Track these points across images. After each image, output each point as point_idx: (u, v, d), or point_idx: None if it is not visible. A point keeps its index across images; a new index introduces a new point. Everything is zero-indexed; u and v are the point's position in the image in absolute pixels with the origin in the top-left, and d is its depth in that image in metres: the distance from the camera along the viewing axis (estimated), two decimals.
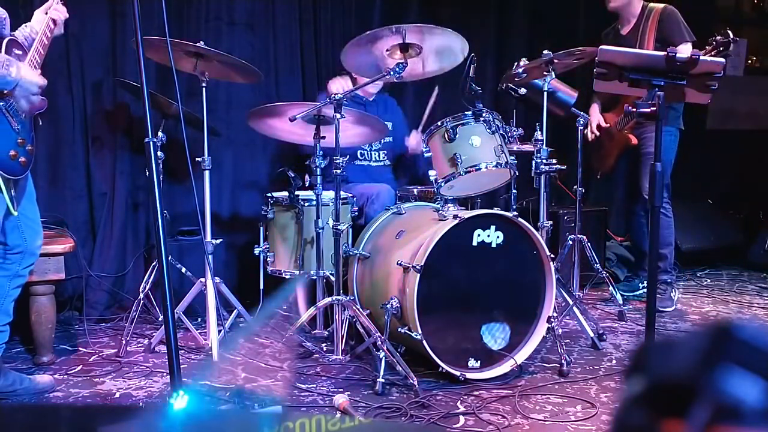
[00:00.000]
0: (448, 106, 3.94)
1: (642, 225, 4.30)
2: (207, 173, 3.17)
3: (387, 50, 2.99)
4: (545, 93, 3.28)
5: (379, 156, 4.02)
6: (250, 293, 3.69)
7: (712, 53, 3.34)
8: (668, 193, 3.98)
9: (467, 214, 2.88)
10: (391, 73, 2.94)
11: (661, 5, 3.87)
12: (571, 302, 3.33)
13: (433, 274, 2.79)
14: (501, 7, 5.01)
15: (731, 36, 3.32)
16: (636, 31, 3.89)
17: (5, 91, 2.38)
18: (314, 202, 3.19)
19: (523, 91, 3.42)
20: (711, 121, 5.76)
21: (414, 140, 4.04)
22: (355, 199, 3.53)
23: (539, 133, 3.26)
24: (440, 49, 3.06)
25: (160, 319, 3.59)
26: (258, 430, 0.93)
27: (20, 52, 2.47)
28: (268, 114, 3.26)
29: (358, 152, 3.96)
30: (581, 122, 3.78)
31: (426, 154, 3.14)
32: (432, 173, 3.09)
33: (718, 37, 3.39)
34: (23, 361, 3.08)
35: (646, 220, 4.35)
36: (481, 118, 3.01)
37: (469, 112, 3.02)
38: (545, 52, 3.25)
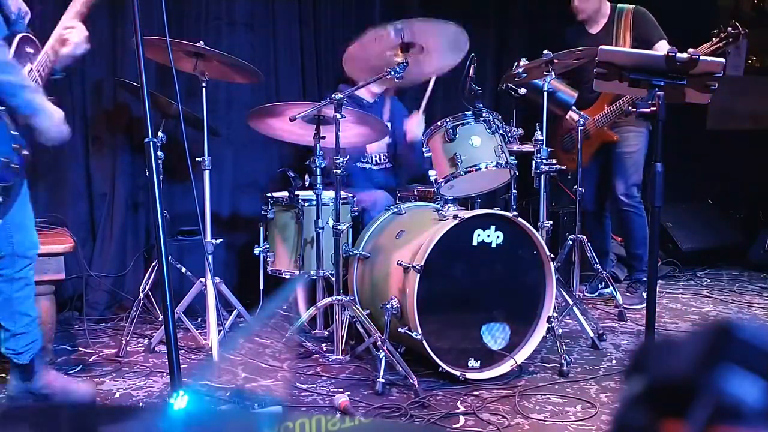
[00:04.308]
0: (449, 106, 3.93)
1: (606, 225, 4.33)
2: (207, 173, 3.17)
3: (388, 51, 2.99)
4: (545, 93, 3.28)
5: (380, 158, 3.99)
6: (250, 293, 3.69)
7: (721, 44, 3.38)
8: (640, 193, 4.02)
9: (467, 214, 2.88)
10: (392, 72, 2.94)
11: (632, 6, 3.97)
12: (571, 302, 3.33)
13: (433, 274, 2.79)
14: (501, 7, 5.01)
15: (741, 29, 3.37)
16: (608, 30, 3.98)
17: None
18: (314, 202, 3.19)
19: (523, 91, 3.42)
20: (711, 121, 5.76)
21: (414, 122, 3.88)
22: (355, 199, 3.53)
23: (539, 133, 3.26)
24: (441, 47, 3.05)
25: (160, 319, 3.59)
26: (258, 430, 0.93)
27: (32, 50, 2.42)
28: (268, 114, 3.26)
29: (361, 155, 3.94)
30: (581, 122, 3.79)
31: (426, 154, 3.14)
32: (432, 173, 3.09)
33: (729, 28, 3.42)
34: None
35: (611, 220, 4.37)
36: (481, 118, 3.01)
37: (469, 112, 3.02)
38: (545, 52, 3.25)
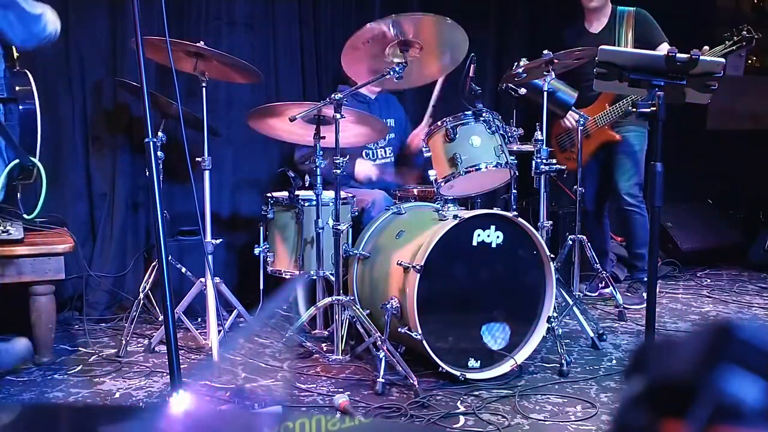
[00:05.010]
0: (449, 106, 3.93)
1: (606, 225, 4.34)
2: (207, 173, 3.17)
3: (387, 51, 2.99)
4: (545, 93, 3.29)
5: (385, 153, 4.04)
6: (250, 293, 3.69)
7: (734, 48, 3.41)
8: (642, 193, 4.03)
9: (467, 214, 2.88)
10: (391, 72, 2.94)
11: (633, 8, 4.01)
12: (571, 302, 3.33)
13: (433, 274, 2.79)
14: (501, 7, 5.01)
15: (755, 33, 3.40)
16: (609, 30, 4.01)
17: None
18: (314, 202, 3.19)
19: (523, 91, 3.42)
20: (711, 121, 5.76)
21: (417, 137, 4.00)
22: (355, 199, 3.54)
23: (539, 133, 3.26)
24: (441, 47, 3.05)
25: (160, 319, 3.59)
26: (258, 430, 0.93)
27: None
28: (268, 114, 3.26)
29: (364, 151, 3.96)
30: (581, 122, 3.79)
31: (426, 154, 3.14)
32: (432, 173, 3.09)
33: (744, 32, 3.44)
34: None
35: (611, 220, 4.38)
36: (481, 118, 3.01)
37: (469, 112, 3.02)
38: (545, 52, 3.25)
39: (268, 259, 3.48)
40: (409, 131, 4.15)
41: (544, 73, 3.27)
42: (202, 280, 3.15)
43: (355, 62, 3.11)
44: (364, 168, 3.89)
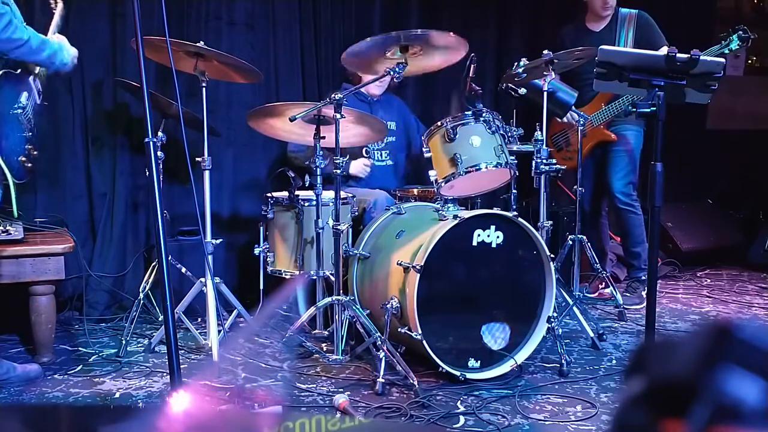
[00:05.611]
0: (448, 106, 3.93)
1: (603, 225, 4.34)
2: (207, 173, 3.17)
3: (388, 51, 2.99)
4: (545, 93, 3.28)
5: (381, 156, 4.03)
6: (250, 293, 3.69)
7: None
8: (637, 191, 4.05)
9: (467, 214, 2.88)
10: (391, 72, 2.95)
11: (635, 11, 4.02)
12: (571, 302, 3.33)
13: (433, 274, 2.79)
14: (501, 7, 5.01)
15: (750, 33, 3.41)
16: (610, 30, 4.02)
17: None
18: (314, 202, 3.19)
19: (523, 91, 3.42)
20: (711, 121, 5.76)
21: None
22: (355, 199, 3.54)
23: (539, 133, 3.26)
24: (442, 47, 3.06)
25: (160, 319, 3.59)
26: (258, 430, 0.93)
27: None
28: (268, 114, 3.26)
29: (364, 150, 3.96)
30: (581, 122, 3.79)
31: (426, 154, 3.14)
32: (432, 173, 3.09)
33: (740, 32, 3.45)
34: (23, 362, 3.08)
35: (609, 219, 4.38)
36: (481, 118, 3.01)
37: (469, 112, 3.02)
38: (545, 52, 3.25)
39: (268, 259, 3.48)
40: (413, 135, 4.14)
41: (544, 73, 3.27)
42: (202, 280, 3.15)
43: (356, 61, 3.12)
44: (357, 163, 3.89)
